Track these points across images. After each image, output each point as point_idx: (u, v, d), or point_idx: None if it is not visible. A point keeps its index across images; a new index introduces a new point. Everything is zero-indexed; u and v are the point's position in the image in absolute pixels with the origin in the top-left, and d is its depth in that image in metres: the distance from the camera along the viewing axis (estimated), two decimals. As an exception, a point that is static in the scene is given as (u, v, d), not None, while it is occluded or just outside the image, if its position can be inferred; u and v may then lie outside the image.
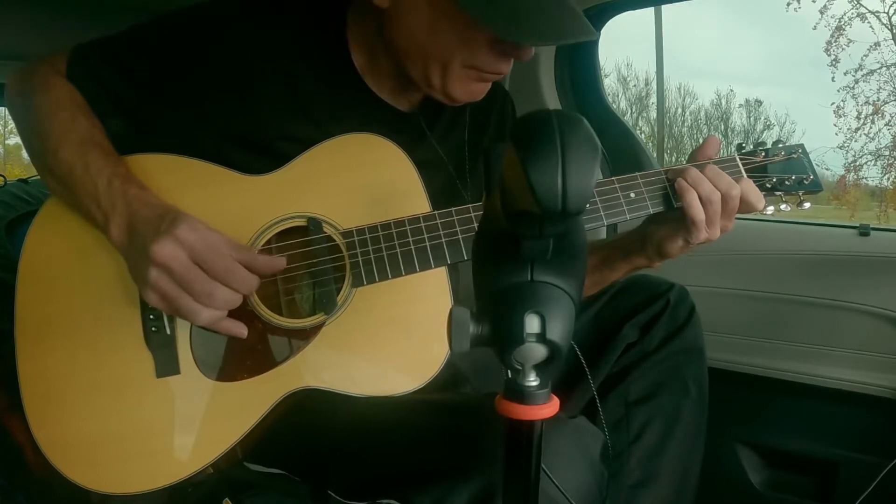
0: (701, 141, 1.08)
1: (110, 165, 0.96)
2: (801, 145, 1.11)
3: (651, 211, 1.03)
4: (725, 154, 1.10)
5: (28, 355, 0.97)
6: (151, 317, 0.96)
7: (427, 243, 0.99)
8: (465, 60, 0.97)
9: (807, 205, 1.11)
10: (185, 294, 0.88)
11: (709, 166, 1.02)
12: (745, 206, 1.02)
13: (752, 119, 8.95)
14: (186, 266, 0.88)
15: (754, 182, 1.06)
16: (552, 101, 1.83)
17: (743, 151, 1.10)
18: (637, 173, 1.04)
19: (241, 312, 0.94)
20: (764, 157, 1.09)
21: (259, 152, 1.02)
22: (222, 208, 0.98)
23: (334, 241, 0.99)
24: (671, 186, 1.03)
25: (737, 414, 1.61)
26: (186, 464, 0.95)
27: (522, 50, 0.96)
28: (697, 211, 1.00)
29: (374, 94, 1.09)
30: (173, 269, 0.87)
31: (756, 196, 1.03)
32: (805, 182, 1.09)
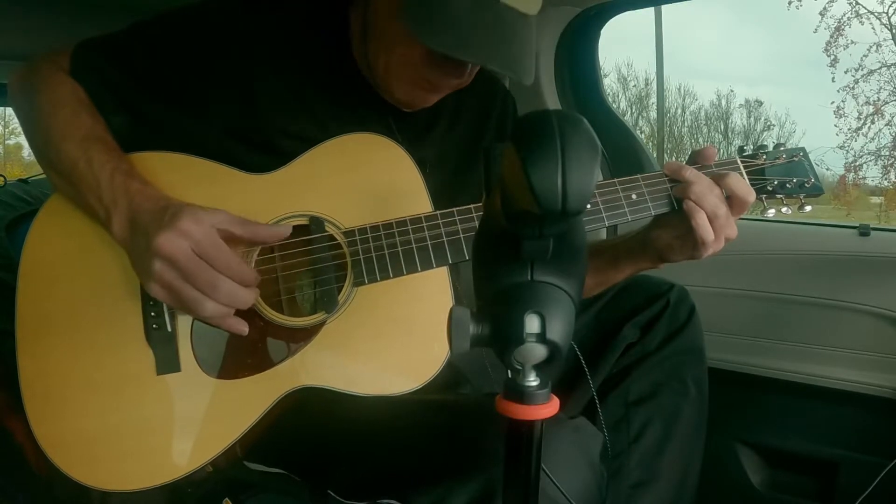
0: (701, 141, 1.08)
1: (113, 161, 0.96)
2: (803, 149, 1.11)
3: (653, 213, 1.03)
4: (726, 156, 1.10)
5: (28, 353, 0.97)
6: (152, 314, 0.96)
7: (428, 242, 0.99)
8: (401, 60, 0.98)
9: (808, 208, 1.11)
10: (188, 285, 0.88)
11: (702, 180, 1.00)
12: (740, 203, 1.01)
13: (752, 119, 8.91)
14: (190, 258, 0.87)
15: (756, 185, 1.05)
16: (552, 101, 1.83)
17: (744, 154, 1.10)
18: (638, 175, 1.04)
19: (243, 310, 0.94)
20: (765, 160, 1.09)
21: (262, 149, 1.02)
22: (224, 206, 0.98)
23: (336, 239, 0.99)
24: (672, 188, 1.03)
25: (737, 414, 1.61)
26: (186, 461, 0.95)
27: (458, 70, 0.97)
28: (708, 232, 0.99)
29: (375, 92, 1.09)
30: (178, 261, 0.87)
31: (745, 189, 1.01)
32: (806, 185, 1.09)
